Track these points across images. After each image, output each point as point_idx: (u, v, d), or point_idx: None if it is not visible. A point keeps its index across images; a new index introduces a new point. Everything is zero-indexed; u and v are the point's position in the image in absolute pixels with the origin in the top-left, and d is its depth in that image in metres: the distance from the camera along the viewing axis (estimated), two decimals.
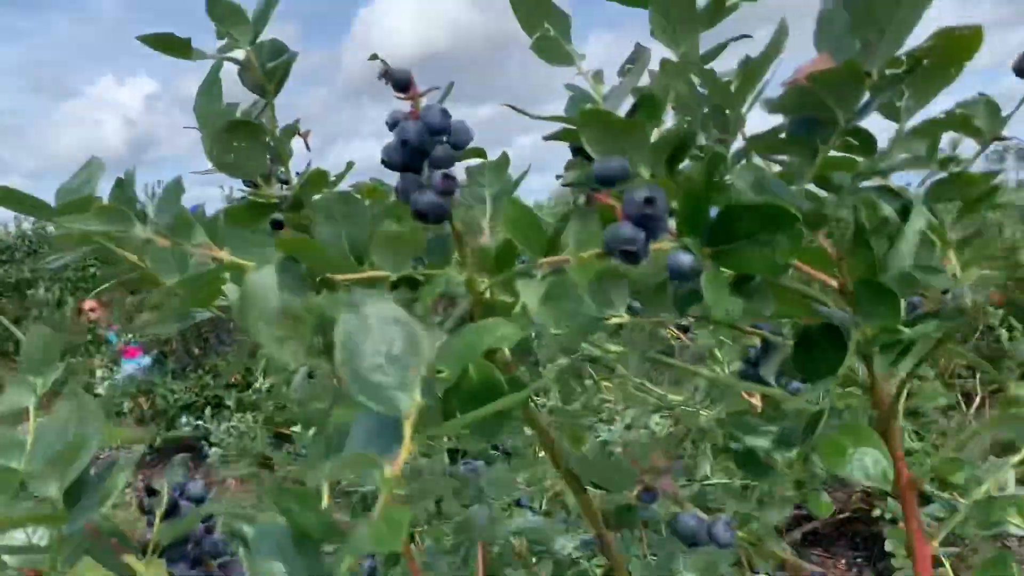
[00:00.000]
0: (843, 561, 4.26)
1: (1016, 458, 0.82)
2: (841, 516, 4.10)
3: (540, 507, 1.46)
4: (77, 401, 0.69)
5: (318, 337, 0.73)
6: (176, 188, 0.70)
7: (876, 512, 3.74)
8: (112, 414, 8.47)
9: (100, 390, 8.61)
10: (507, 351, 0.86)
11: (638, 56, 0.87)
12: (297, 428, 4.43)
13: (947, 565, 1.00)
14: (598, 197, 0.59)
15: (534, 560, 1.53)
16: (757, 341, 0.90)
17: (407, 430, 0.49)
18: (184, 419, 7.07)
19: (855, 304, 0.72)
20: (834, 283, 0.79)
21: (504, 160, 1.08)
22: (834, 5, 0.60)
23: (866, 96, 0.57)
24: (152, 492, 0.91)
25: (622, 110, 0.84)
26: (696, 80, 0.84)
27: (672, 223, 0.60)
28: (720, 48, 0.96)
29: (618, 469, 0.89)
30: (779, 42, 0.69)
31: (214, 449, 5.54)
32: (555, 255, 0.80)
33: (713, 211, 0.61)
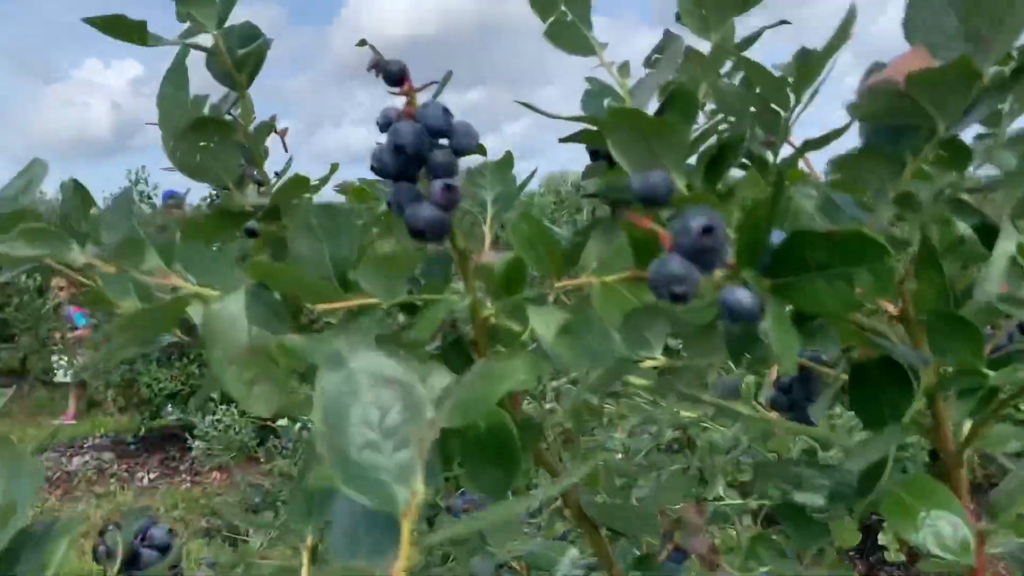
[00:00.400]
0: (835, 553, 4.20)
1: None
2: None
3: (541, 520, 1.35)
4: (8, 452, 0.58)
5: (296, 382, 0.62)
6: (126, 201, 0.58)
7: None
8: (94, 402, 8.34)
9: (61, 377, 8.39)
10: None
11: (668, 44, 0.75)
12: (283, 421, 4.32)
13: None
14: (634, 219, 0.48)
15: None
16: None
17: (405, 530, 0.38)
18: (169, 408, 6.93)
19: (928, 338, 0.61)
20: (892, 309, 0.69)
21: (508, 159, 0.97)
22: None
23: (973, 100, 0.46)
24: (106, 536, 0.80)
25: (649, 108, 0.73)
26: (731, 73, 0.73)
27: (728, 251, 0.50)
28: (755, 37, 0.85)
29: (638, 516, 0.79)
30: (846, 30, 0.58)
31: (198, 443, 5.42)
32: (573, 276, 0.70)
33: (776, 235, 0.50)
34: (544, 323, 0.65)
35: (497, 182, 0.96)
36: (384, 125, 0.62)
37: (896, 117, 0.48)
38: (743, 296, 0.48)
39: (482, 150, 1.08)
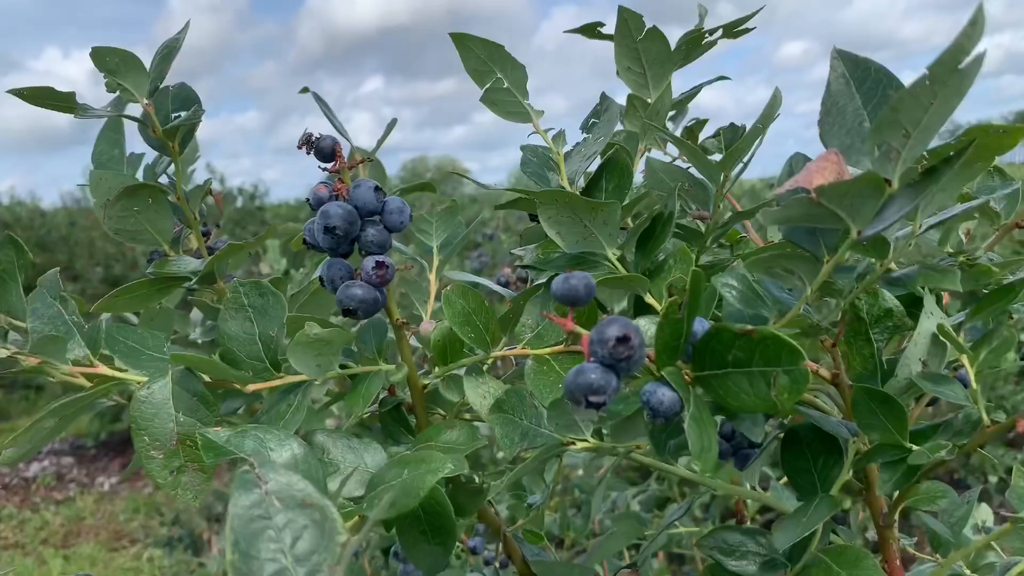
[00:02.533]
0: None
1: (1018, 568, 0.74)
2: None
3: (497, 554, 1.36)
4: None
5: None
6: (53, 286, 0.58)
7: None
8: None
9: None
10: None
11: (603, 108, 0.76)
12: None
13: None
14: (554, 320, 0.48)
15: None
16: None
17: None
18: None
19: (853, 412, 0.62)
20: (826, 373, 0.70)
21: (453, 208, 0.97)
22: (845, 87, 0.50)
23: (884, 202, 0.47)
24: None
25: (589, 170, 0.73)
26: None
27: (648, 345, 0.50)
28: (695, 92, 0.86)
29: (576, 571, 0.80)
30: (770, 115, 0.59)
31: None
32: (508, 343, 0.70)
33: (700, 324, 0.51)
34: (479, 395, 0.65)
35: (443, 229, 0.96)
36: (315, 204, 0.61)
37: (813, 222, 0.48)
38: (664, 395, 0.49)
39: (431, 187, 1.08)
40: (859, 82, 0.51)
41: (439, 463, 0.54)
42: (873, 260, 0.56)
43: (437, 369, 0.68)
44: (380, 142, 0.99)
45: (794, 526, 0.60)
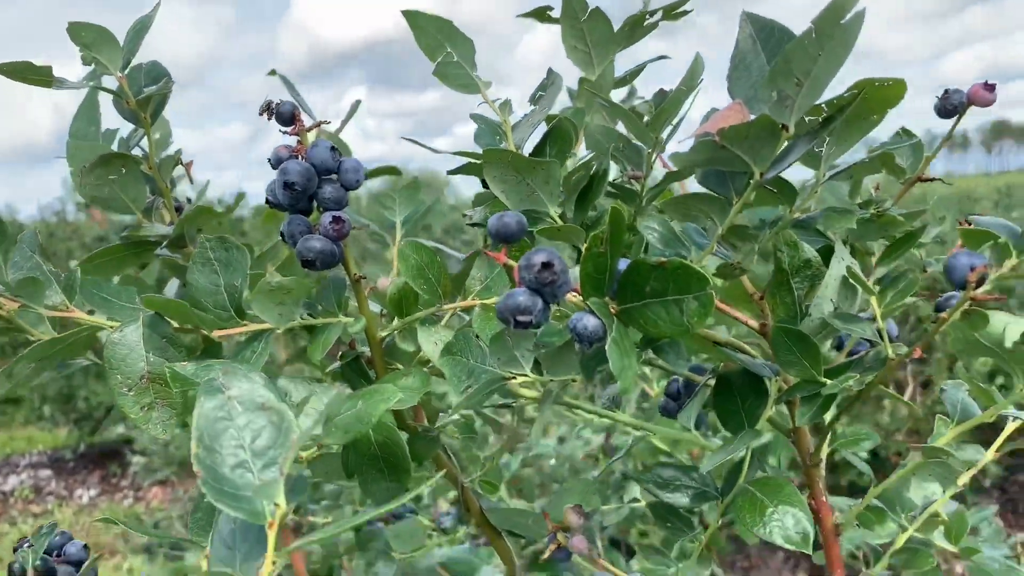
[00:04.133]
0: (779, 555, 4.30)
1: (937, 504, 0.79)
2: None
3: (465, 530, 1.40)
4: None
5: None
6: (31, 241, 0.62)
7: None
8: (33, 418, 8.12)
9: None
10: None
11: (550, 82, 0.81)
12: None
13: None
14: (491, 255, 0.53)
15: None
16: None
17: (271, 539, 0.43)
18: (108, 423, 6.80)
19: (773, 352, 0.68)
20: (755, 324, 0.76)
21: (414, 184, 1.02)
22: (751, 46, 0.56)
23: (783, 148, 0.53)
24: (18, 553, 0.83)
25: (533, 140, 0.79)
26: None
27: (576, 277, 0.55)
28: (637, 71, 0.92)
29: (525, 516, 0.85)
30: (693, 79, 0.65)
31: (138, 458, 5.34)
32: (462, 299, 0.75)
33: (623, 263, 0.56)
34: (431, 343, 0.71)
35: (405, 205, 1.01)
36: (275, 163, 0.66)
37: (718, 164, 0.54)
38: (588, 322, 0.54)
39: (395, 171, 1.13)
40: (764, 42, 0.57)
41: (390, 393, 0.59)
42: (784, 207, 0.61)
43: (395, 322, 0.73)
44: (344, 122, 1.04)
45: (720, 455, 0.66)
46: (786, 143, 0.54)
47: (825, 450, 0.77)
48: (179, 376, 0.56)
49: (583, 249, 0.53)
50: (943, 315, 0.59)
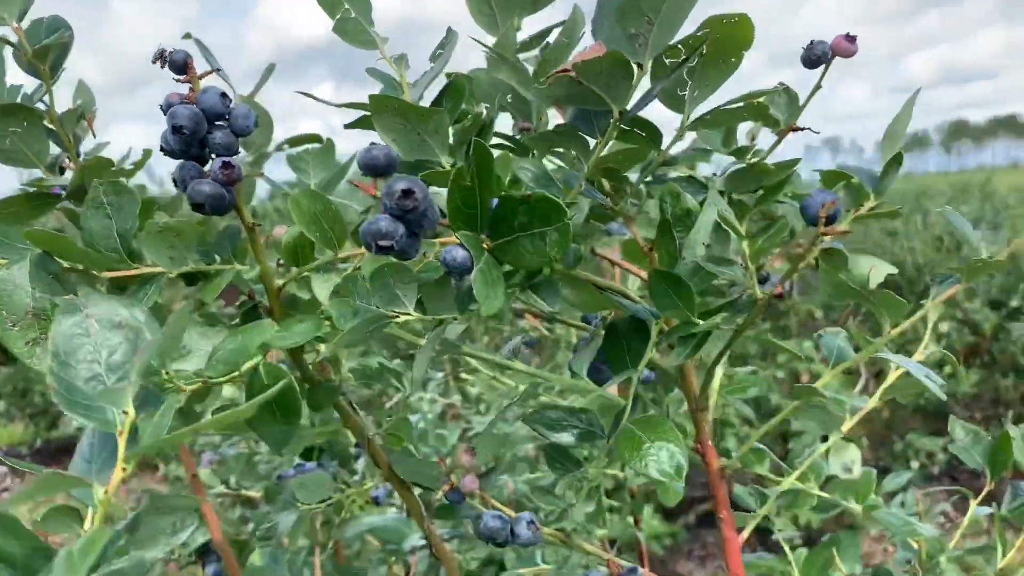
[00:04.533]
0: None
1: (823, 448, 0.83)
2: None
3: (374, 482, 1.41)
4: None
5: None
6: None
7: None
8: None
9: None
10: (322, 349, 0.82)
11: (448, 40, 0.83)
12: None
13: (788, 549, 1.01)
14: (360, 187, 0.55)
15: (392, 559, 1.49)
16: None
17: (121, 445, 0.45)
18: (67, 418, 6.70)
19: (651, 295, 0.70)
20: (643, 275, 0.79)
21: (329, 147, 1.03)
22: None
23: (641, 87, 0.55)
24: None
25: (431, 95, 0.81)
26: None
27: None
28: (543, 34, 0.94)
29: (428, 467, 0.87)
30: (573, 32, 0.67)
31: None
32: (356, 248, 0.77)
33: (495, 203, 0.58)
34: (323, 288, 0.72)
35: (320, 168, 1.02)
36: (165, 108, 0.68)
37: (578, 101, 0.57)
38: (457, 254, 0.56)
39: (316, 139, 1.15)
40: None
41: (267, 328, 0.61)
42: (652, 150, 0.64)
43: (293, 271, 0.75)
44: (258, 87, 1.06)
45: (600, 389, 0.68)
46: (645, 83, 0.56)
47: (714, 397, 0.80)
48: (59, 306, 0.57)
49: (448, 183, 0.55)
50: (799, 251, 0.62)
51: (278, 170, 1.18)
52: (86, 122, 0.80)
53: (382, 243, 0.52)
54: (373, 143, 0.55)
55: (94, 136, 0.81)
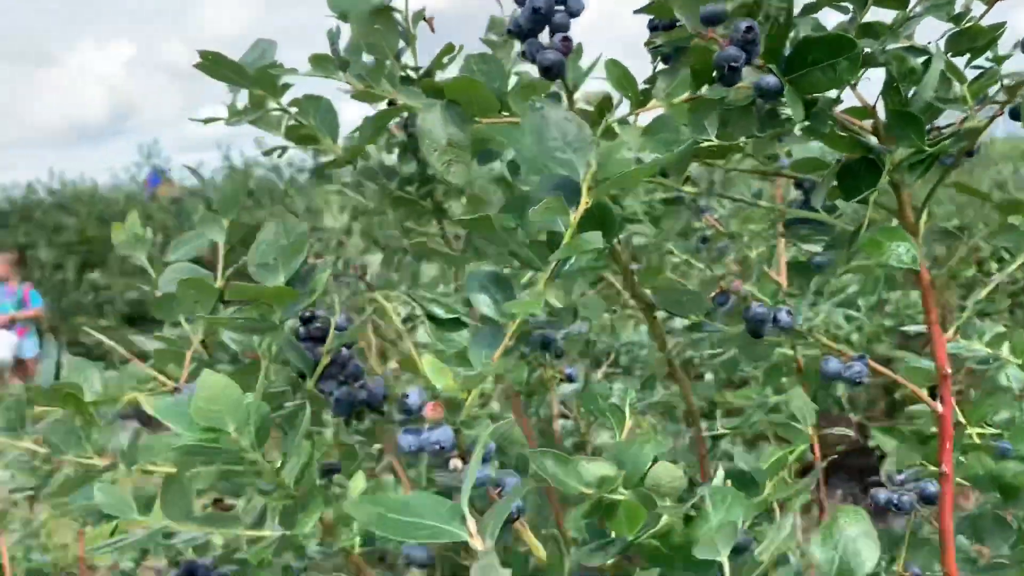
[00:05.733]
0: (839, 492, 4.42)
1: None
2: (837, 450, 4.24)
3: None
4: (282, 220, 0.88)
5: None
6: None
7: (872, 443, 3.83)
8: None
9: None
10: None
11: None
12: None
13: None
14: (704, 34, 0.78)
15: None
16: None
17: (584, 189, 0.69)
18: None
19: (887, 130, 0.91)
20: (867, 126, 0.99)
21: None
22: None
23: None
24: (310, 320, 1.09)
25: None
26: None
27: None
28: None
29: (688, 295, 1.10)
30: None
31: None
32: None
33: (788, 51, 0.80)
34: (631, 135, 0.95)
35: None
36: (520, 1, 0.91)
37: None
38: (770, 80, 0.79)
39: None
40: None
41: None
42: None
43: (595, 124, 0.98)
44: None
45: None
46: None
47: (924, 218, 1.01)
48: (479, 135, 0.83)
49: (759, 25, 0.77)
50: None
51: None
52: (427, 22, 1.05)
53: (733, 64, 0.75)
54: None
55: (432, 31, 1.06)
